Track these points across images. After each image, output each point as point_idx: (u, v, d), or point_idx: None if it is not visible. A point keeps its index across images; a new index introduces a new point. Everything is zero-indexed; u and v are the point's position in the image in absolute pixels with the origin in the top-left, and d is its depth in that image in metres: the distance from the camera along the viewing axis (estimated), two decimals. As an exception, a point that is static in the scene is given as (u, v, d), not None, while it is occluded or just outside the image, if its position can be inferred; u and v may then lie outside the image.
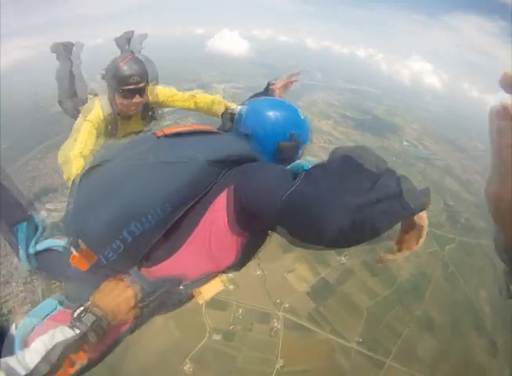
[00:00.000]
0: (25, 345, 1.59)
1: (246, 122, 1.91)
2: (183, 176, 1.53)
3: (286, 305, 19.94)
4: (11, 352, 1.55)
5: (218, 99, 3.57)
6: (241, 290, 21.01)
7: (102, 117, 3.35)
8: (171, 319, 19.42)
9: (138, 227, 1.51)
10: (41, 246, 2.17)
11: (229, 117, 2.16)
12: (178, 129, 1.81)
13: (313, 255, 22.67)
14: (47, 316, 1.72)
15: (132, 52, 4.06)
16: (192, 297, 1.80)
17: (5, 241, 2.26)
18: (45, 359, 1.25)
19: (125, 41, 4.70)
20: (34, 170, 30.63)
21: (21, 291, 20.17)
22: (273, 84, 2.83)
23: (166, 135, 1.78)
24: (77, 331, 1.35)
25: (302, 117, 1.93)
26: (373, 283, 21.71)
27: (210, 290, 1.76)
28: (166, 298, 1.65)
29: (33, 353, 1.26)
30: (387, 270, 22.38)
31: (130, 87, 3.17)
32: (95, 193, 1.67)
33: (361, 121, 45.72)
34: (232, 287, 21.22)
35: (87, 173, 1.76)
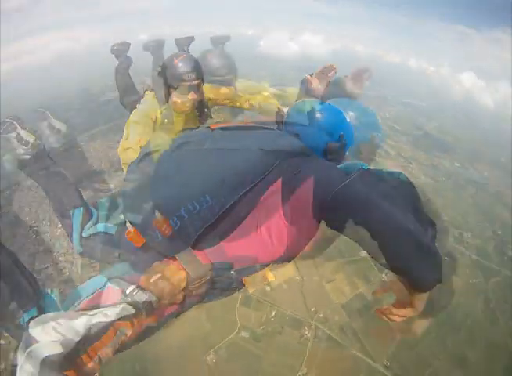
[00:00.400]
0: (69, 318, 1.67)
1: (295, 122, 2.11)
2: (239, 162, 1.70)
3: (320, 315, 19.41)
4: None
5: (271, 100, 3.79)
6: (278, 292, 21.06)
7: (158, 112, 3.69)
8: (204, 310, 19.56)
9: (196, 206, 1.65)
10: (93, 230, 2.47)
11: (279, 118, 2.48)
12: (232, 124, 2.03)
13: (354, 269, 22.06)
14: (94, 291, 1.86)
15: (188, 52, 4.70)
16: (242, 285, 1.95)
17: (60, 222, 2.58)
18: (93, 327, 1.33)
19: (186, 43, 5.37)
20: (80, 153, 31.79)
21: (60, 261, 21.15)
22: (309, 76, 2.85)
23: (221, 128, 1.99)
24: (127, 308, 1.44)
25: (348, 119, 2.11)
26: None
27: (260, 279, 1.85)
28: (216, 283, 1.82)
29: (79, 324, 1.32)
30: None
31: (185, 84, 3.46)
32: (155, 174, 1.82)
33: (412, 136, 44.54)
34: (268, 288, 21.27)
35: (146, 157, 1.94)
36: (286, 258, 1.91)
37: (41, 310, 1.88)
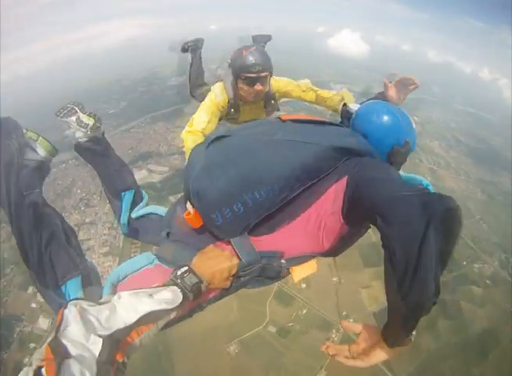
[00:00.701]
0: (114, 291, 1.78)
1: (365, 122, 2.00)
2: (309, 155, 1.64)
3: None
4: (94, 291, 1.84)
5: (336, 95, 3.61)
6: (312, 291, 20.93)
7: (226, 101, 3.61)
8: (236, 299, 19.71)
9: (262, 194, 1.59)
10: (143, 212, 2.40)
11: (346, 114, 2.39)
12: (303, 117, 1.95)
13: None
14: (142, 268, 1.84)
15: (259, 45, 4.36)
16: (288, 273, 1.83)
17: (111, 207, 2.52)
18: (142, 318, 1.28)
19: (262, 41, 5.15)
20: (142, 134, 33.85)
21: (104, 234, 22.44)
22: (387, 81, 2.71)
23: (292, 120, 1.92)
24: (177, 294, 1.39)
25: (414, 126, 2.04)
26: (442, 325, 20.25)
27: (305, 269, 1.80)
28: (265, 270, 1.73)
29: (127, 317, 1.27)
30: (461, 317, 20.82)
31: (251, 75, 3.35)
32: (225, 157, 1.75)
33: (475, 150, 42.40)
34: (304, 285, 21.22)
35: (216, 140, 1.85)
36: (331, 254, 1.85)
37: (86, 279, 1.93)
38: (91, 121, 2.37)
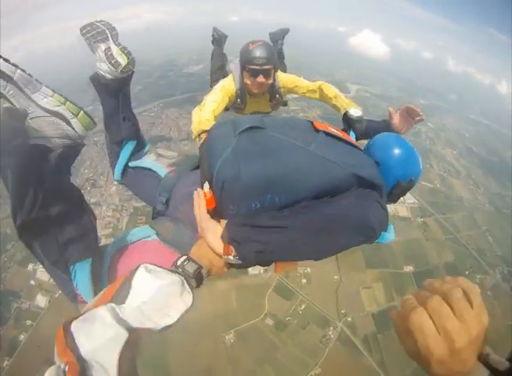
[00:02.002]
0: (113, 261, 1.88)
1: (381, 151, 2.16)
2: (334, 177, 1.71)
3: (349, 319, 19.32)
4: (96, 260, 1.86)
5: (341, 96, 3.68)
6: (312, 287, 20.78)
7: (234, 91, 3.89)
8: (235, 289, 19.99)
9: (281, 199, 1.66)
10: (141, 163, 2.45)
11: (348, 120, 2.79)
12: (333, 131, 2.02)
13: (394, 281, 21.76)
14: (139, 239, 1.95)
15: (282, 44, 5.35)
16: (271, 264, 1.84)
17: (107, 150, 2.48)
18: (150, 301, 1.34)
19: (280, 37, 5.50)
20: (154, 118, 33.72)
21: (108, 216, 22.29)
22: (399, 116, 2.87)
23: (325, 133, 1.96)
24: (179, 277, 1.44)
25: (421, 166, 2.21)
26: (440, 331, 19.82)
27: (286, 267, 1.85)
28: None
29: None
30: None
31: (254, 67, 3.63)
32: (258, 151, 1.76)
33: (486, 161, 42.26)
34: (304, 280, 21.08)
35: (249, 130, 1.86)
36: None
37: (95, 264, 1.88)
38: (123, 60, 2.07)
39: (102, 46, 2.05)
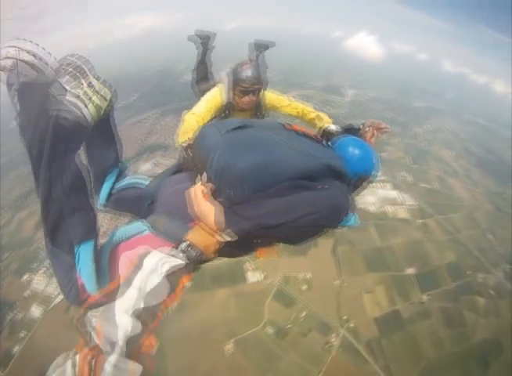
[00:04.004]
0: (112, 256, 1.96)
1: (345, 150, 2.50)
2: (312, 167, 2.05)
3: (351, 325, 18.99)
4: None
5: (320, 116, 4.22)
6: (313, 293, 20.57)
7: (222, 103, 4.19)
8: (234, 296, 19.74)
9: (267, 183, 1.92)
10: (121, 184, 2.62)
11: (326, 133, 3.54)
12: (304, 130, 2.43)
13: (396, 284, 21.51)
14: (134, 235, 2.03)
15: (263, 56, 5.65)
16: (255, 250, 2.18)
17: (91, 180, 2.41)
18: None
19: (263, 48, 5.75)
20: (150, 126, 34.39)
21: (105, 224, 21.69)
22: (367, 128, 3.25)
23: (295, 132, 2.35)
24: (182, 262, 1.68)
25: (379, 164, 2.62)
26: (444, 335, 19.71)
27: (267, 252, 2.17)
28: (238, 245, 1.98)
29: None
30: (463, 326, 20.37)
31: (245, 87, 3.98)
32: (251, 143, 2.10)
33: (484, 160, 42.25)
34: (305, 287, 20.94)
35: (239, 128, 2.19)
36: (291, 242, 2.28)
37: (96, 248, 1.96)
38: (107, 94, 1.95)
39: (84, 82, 1.87)
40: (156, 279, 1.58)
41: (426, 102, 63.44)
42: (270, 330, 18.04)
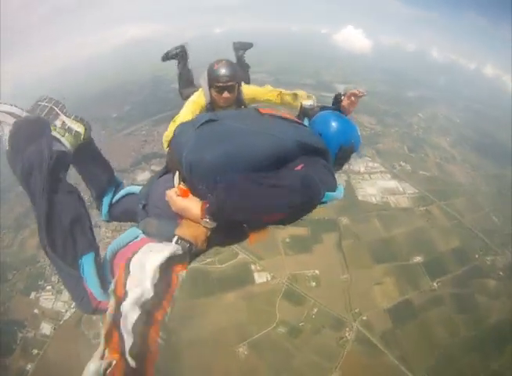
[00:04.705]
0: (111, 265, 2.03)
1: (321, 125, 2.56)
2: (280, 147, 2.03)
3: (364, 318, 19.01)
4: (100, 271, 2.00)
5: (297, 94, 4.22)
6: (322, 289, 20.64)
7: (204, 104, 4.25)
8: (243, 299, 19.80)
9: (238, 172, 1.89)
10: (119, 195, 2.70)
11: (303, 110, 3.34)
12: (276, 112, 2.39)
13: (405, 273, 21.49)
14: (130, 242, 2.06)
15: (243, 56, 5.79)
16: (245, 238, 2.15)
17: (92, 198, 2.74)
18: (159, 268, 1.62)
19: (242, 48, 5.89)
20: (145, 136, 35.41)
21: (108, 237, 22.15)
22: (343, 95, 3.25)
23: (269, 115, 2.34)
24: (177, 253, 1.76)
25: (359, 133, 2.61)
26: (458, 320, 19.75)
27: (258, 236, 2.08)
28: (230, 232, 2.07)
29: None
30: (476, 310, 20.32)
31: (220, 84, 3.99)
32: (215, 137, 2.10)
33: (481, 144, 42.60)
34: (313, 283, 21.02)
35: (205, 123, 2.17)
36: (282, 223, 2.11)
37: (97, 258, 2.04)
38: (81, 128, 2.25)
39: (58, 123, 2.19)
40: (152, 271, 1.64)
41: (418, 91, 64.20)
42: (282, 329, 17.97)
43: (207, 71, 4.11)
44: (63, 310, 18.72)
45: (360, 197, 27.49)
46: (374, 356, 17.62)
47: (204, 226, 1.93)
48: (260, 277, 20.42)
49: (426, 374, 17.34)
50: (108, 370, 1.23)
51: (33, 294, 19.40)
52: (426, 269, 21.52)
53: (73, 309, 19.09)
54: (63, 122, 2.19)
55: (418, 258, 22.12)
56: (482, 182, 33.09)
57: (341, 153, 2.50)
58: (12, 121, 2.00)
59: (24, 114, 2.05)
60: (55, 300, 19.26)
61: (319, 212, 25.91)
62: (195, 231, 1.93)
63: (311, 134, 2.36)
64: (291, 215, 1.97)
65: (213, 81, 4.01)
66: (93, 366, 1.24)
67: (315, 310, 18.94)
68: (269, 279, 20.08)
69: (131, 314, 1.47)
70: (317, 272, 20.53)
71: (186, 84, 5.64)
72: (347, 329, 18.34)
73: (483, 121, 55.40)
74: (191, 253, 1.88)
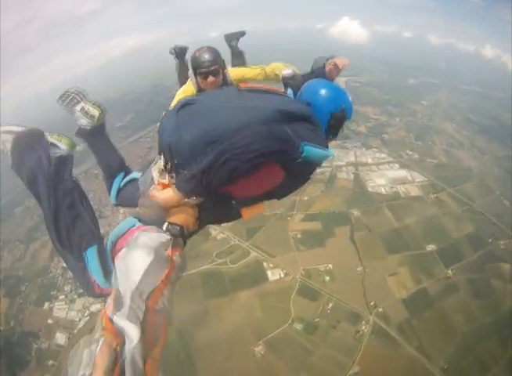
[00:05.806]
0: (113, 254, 2.09)
1: (309, 93, 2.53)
2: (258, 118, 2.06)
3: (380, 310, 18.84)
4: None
5: (278, 66, 4.35)
6: (337, 283, 20.53)
7: (193, 92, 4.22)
8: (257, 297, 19.73)
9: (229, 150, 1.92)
10: (126, 180, 2.84)
11: (284, 80, 3.57)
12: (256, 86, 2.54)
13: (419, 262, 21.28)
14: (127, 231, 2.13)
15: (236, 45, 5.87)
16: (239, 214, 2.30)
17: (105, 182, 2.95)
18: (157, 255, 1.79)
19: (234, 38, 5.98)
20: (150, 142, 36.18)
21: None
22: (327, 66, 3.29)
23: (247, 89, 2.43)
24: (169, 237, 1.92)
25: (350, 98, 2.55)
26: (474, 306, 19.53)
27: (252, 210, 2.25)
28: (216, 210, 2.24)
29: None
30: (493, 295, 20.08)
31: (203, 70, 4.00)
32: (191, 119, 2.19)
33: (486, 127, 42.25)
34: (328, 278, 20.89)
35: (183, 107, 2.28)
36: (276, 197, 2.35)
37: (101, 250, 2.15)
38: (96, 112, 2.62)
39: (78, 108, 2.62)
40: (148, 254, 1.77)
41: (419, 78, 64.21)
42: (298, 326, 17.85)
43: (190, 60, 4.21)
44: (77, 319, 18.89)
45: (370, 189, 27.54)
46: (392, 348, 17.46)
47: (190, 207, 2.12)
48: (273, 275, 20.40)
49: (445, 363, 17.19)
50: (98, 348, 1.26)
51: (46, 305, 19.64)
52: (440, 256, 21.35)
53: (87, 317, 19.39)
54: (82, 107, 2.62)
55: (431, 247, 21.97)
56: (491, 165, 32.87)
57: (333, 120, 2.48)
58: (11, 137, 2.20)
59: (21, 129, 2.24)
60: (68, 309, 19.45)
61: (329, 206, 26.30)
62: (182, 214, 2.10)
63: (293, 101, 2.47)
64: (273, 177, 2.13)
65: (196, 68, 4.04)
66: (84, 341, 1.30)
67: (331, 305, 18.82)
68: (282, 276, 20.03)
69: (126, 304, 1.52)
70: (330, 266, 20.42)
71: (185, 81, 5.24)
72: (364, 322, 18.20)
73: (486, 104, 55.06)
74: (184, 235, 2.03)
